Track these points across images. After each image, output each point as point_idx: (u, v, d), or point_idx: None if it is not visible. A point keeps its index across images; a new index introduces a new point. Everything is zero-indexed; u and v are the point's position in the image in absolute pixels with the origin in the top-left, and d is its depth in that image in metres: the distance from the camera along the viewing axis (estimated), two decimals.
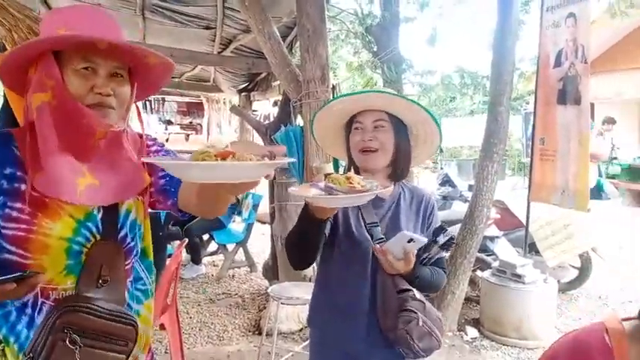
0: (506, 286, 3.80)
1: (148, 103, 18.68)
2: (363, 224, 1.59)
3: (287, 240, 1.48)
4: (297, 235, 1.43)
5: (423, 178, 7.98)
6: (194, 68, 6.96)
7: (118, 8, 4.64)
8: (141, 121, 1.28)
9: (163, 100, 18.97)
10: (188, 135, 17.53)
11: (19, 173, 1.07)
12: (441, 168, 6.86)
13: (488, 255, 4.50)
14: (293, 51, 4.89)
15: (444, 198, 5.24)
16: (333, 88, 3.74)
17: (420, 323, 1.46)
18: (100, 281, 1.11)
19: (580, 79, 3.41)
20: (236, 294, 4.95)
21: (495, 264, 4.08)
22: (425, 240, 1.48)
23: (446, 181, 5.43)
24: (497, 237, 4.50)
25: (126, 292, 1.17)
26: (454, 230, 4.09)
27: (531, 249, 4.28)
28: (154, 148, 1.32)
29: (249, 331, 4.08)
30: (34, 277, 1.02)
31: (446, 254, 1.65)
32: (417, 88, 6.38)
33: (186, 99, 17.47)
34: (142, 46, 1.11)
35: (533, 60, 6.25)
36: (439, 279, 1.66)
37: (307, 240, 1.42)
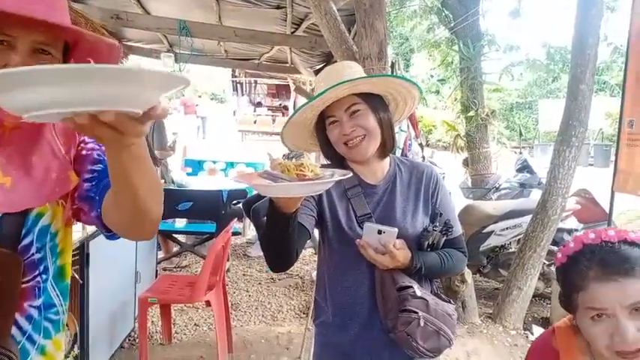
0: None
1: (239, 85, 19.42)
2: (354, 218, 1.44)
3: (261, 239, 1.37)
4: (267, 231, 1.28)
5: (503, 162, 7.41)
6: (271, 49, 7.00)
7: None
8: None
9: (255, 82, 19.61)
10: (274, 118, 17.99)
11: None
12: (520, 152, 6.34)
13: None
14: None
15: (521, 185, 4.84)
16: (392, 65, 3.54)
17: (422, 323, 1.32)
18: None
19: None
20: (297, 275, 4.95)
21: None
22: (395, 230, 1.32)
23: (524, 167, 5.00)
24: (576, 230, 4.06)
25: (19, 319, 0.94)
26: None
27: None
28: (89, 145, 1.07)
29: (304, 313, 4.05)
30: None
31: (452, 237, 1.47)
32: (498, 66, 5.93)
33: (276, 81, 17.93)
34: (71, 25, 0.91)
35: None
36: (454, 262, 1.48)
37: (276, 237, 1.25)
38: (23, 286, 0.93)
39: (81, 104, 0.56)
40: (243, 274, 4.98)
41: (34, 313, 0.96)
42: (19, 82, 0.54)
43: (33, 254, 0.94)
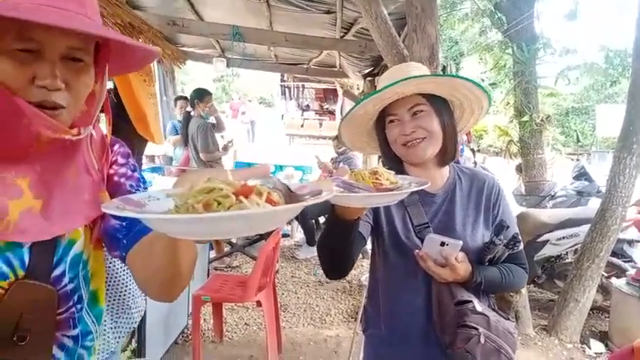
0: None
1: (287, 89, 19.65)
2: (411, 227, 1.39)
3: (318, 245, 1.32)
4: (326, 239, 1.25)
5: (559, 169, 7.13)
6: (320, 54, 7.06)
7: None
8: (109, 121, 0.95)
9: (303, 86, 19.80)
10: (321, 122, 18.12)
11: None
12: (577, 159, 6.11)
13: (625, 261, 3.90)
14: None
15: (579, 193, 4.66)
16: (444, 69, 3.50)
17: (482, 340, 1.26)
18: (16, 337, 0.79)
19: None
20: (345, 279, 4.95)
21: (632, 272, 3.52)
22: (459, 243, 1.27)
23: (581, 175, 4.81)
24: (637, 241, 3.88)
25: (58, 352, 0.87)
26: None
27: None
28: (122, 170, 0.97)
29: (352, 317, 4.05)
30: None
31: (514, 251, 1.40)
32: (554, 69, 5.74)
33: (323, 85, 18.03)
34: (110, 30, 0.81)
35: None
36: (514, 278, 1.42)
37: (336, 245, 1.22)
38: (57, 318, 0.86)
39: (232, 235, 0.62)
40: (292, 276, 5.03)
41: (69, 342, 0.88)
42: (203, 223, 0.56)
43: (66, 285, 0.86)
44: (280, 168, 7.37)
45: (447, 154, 1.41)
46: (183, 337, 3.42)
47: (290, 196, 0.67)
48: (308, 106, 19.74)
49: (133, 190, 0.95)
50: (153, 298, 0.92)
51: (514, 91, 5.26)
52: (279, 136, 18.81)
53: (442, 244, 1.26)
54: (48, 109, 0.76)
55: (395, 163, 1.45)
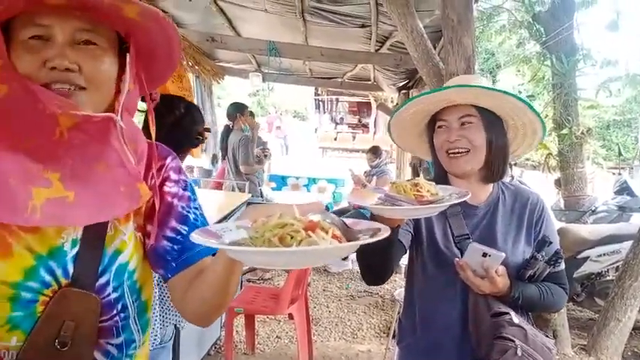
0: None
1: (321, 103, 19.79)
2: (451, 237, 1.39)
3: (357, 252, 1.36)
4: (366, 246, 1.28)
5: (600, 183, 6.89)
6: (354, 68, 7.10)
7: (283, 13, 4.95)
8: (152, 121, 0.93)
9: (337, 100, 19.92)
10: (355, 135, 18.17)
11: None
12: (619, 173, 5.92)
13: None
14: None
15: (621, 209, 4.51)
16: None
17: (519, 353, 1.23)
18: (57, 343, 0.80)
19: None
20: (377, 293, 4.91)
21: None
22: (502, 255, 1.25)
23: (623, 189, 4.65)
24: None
25: (95, 353, 0.86)
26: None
27: None
28: (173, 190, 0.97)
29: (384, 332, 4.01)
30: None
31: (556, 269, 1.38)
32: (594, 81, 5.59)
33: (357, 99, 18.09)
34: None
35: None
36: (554, 298, 1.39)
37: (376, 254, 1.23)
38: (100, 325, 0.85)
39: (303, 265, 0.74)
40: (324, 290, 5.02)
41: (114, 350, 0.88)
42: (284, 257, 0.65)
43: (109, 294, 0.85)
44: (313, 181, 7.42)
45: (492, 173, 1.40)
46: (215, 348, 3.45)
47: (346, 230, 0.74)
48: (342, 119, 19.81)
49: (185, 212, 0.95)
50: (192, 323, 0.97)
51: (553, 103, 5.14)
52: (312, 149, 18.92)
53: (484, 255, 1.25)
54: (60, 85, 0.77)
55: (442, 171, 1.45)
